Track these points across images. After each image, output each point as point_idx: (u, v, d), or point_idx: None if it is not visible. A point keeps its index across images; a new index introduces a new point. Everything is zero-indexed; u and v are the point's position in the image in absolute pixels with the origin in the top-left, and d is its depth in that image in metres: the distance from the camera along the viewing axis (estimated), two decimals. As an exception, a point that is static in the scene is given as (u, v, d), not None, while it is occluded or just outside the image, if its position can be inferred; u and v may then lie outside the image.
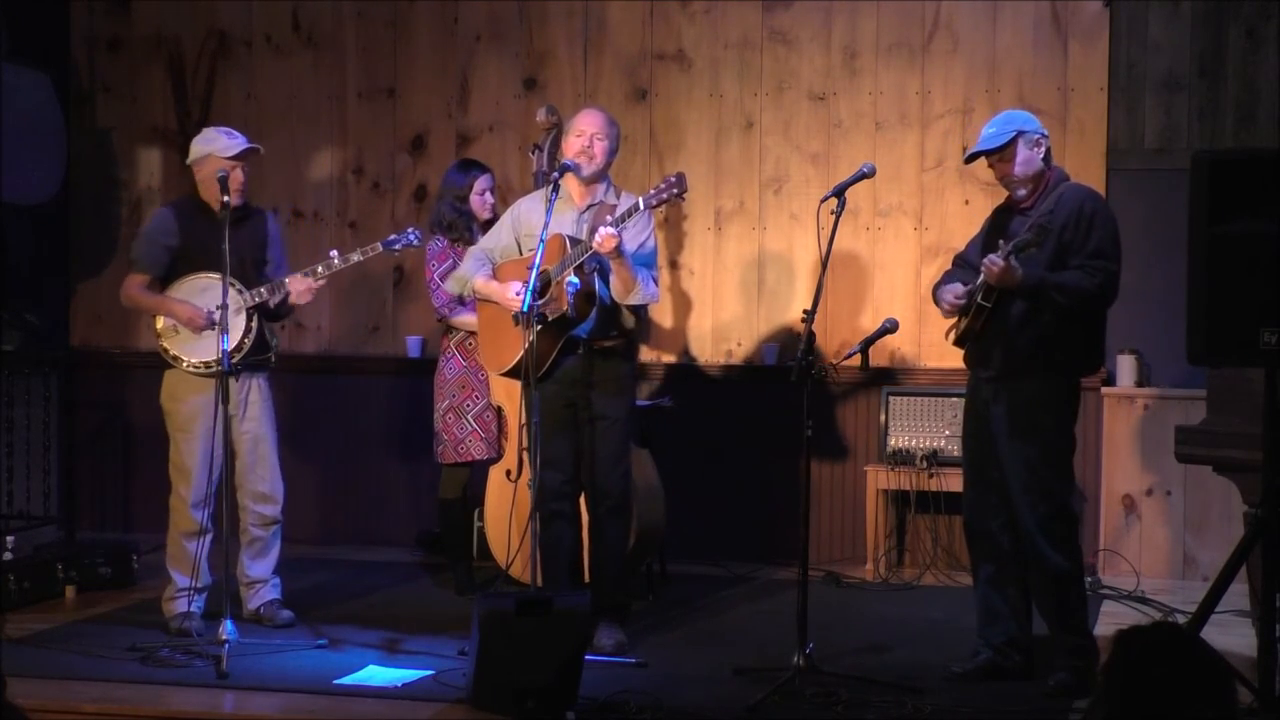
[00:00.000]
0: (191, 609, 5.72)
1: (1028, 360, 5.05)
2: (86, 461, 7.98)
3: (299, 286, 5.74)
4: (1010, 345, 5.07)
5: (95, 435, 8.04)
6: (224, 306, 5.41)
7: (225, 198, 5.48)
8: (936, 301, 5.29)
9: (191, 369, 5.71)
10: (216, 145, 5.77)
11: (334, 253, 5.83)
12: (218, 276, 5.50)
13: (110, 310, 8.11)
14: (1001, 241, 4.99)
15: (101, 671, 5.20)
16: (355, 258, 5.79)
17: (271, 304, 5.77)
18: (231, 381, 5.57)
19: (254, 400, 5.84)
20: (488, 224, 6.56)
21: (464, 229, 6.47)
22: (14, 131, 7.06)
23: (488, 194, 6.52)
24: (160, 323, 5.75)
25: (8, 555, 6.32)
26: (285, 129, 7.91)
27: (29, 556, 6.46)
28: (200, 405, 5.71)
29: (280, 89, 7.95)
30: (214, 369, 5.57)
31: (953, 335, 5.27)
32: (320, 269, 5.78)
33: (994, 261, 4.94)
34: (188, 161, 5.88)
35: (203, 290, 5.69)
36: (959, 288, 5.16)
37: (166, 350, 5.74)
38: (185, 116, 8.02)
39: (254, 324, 5.73)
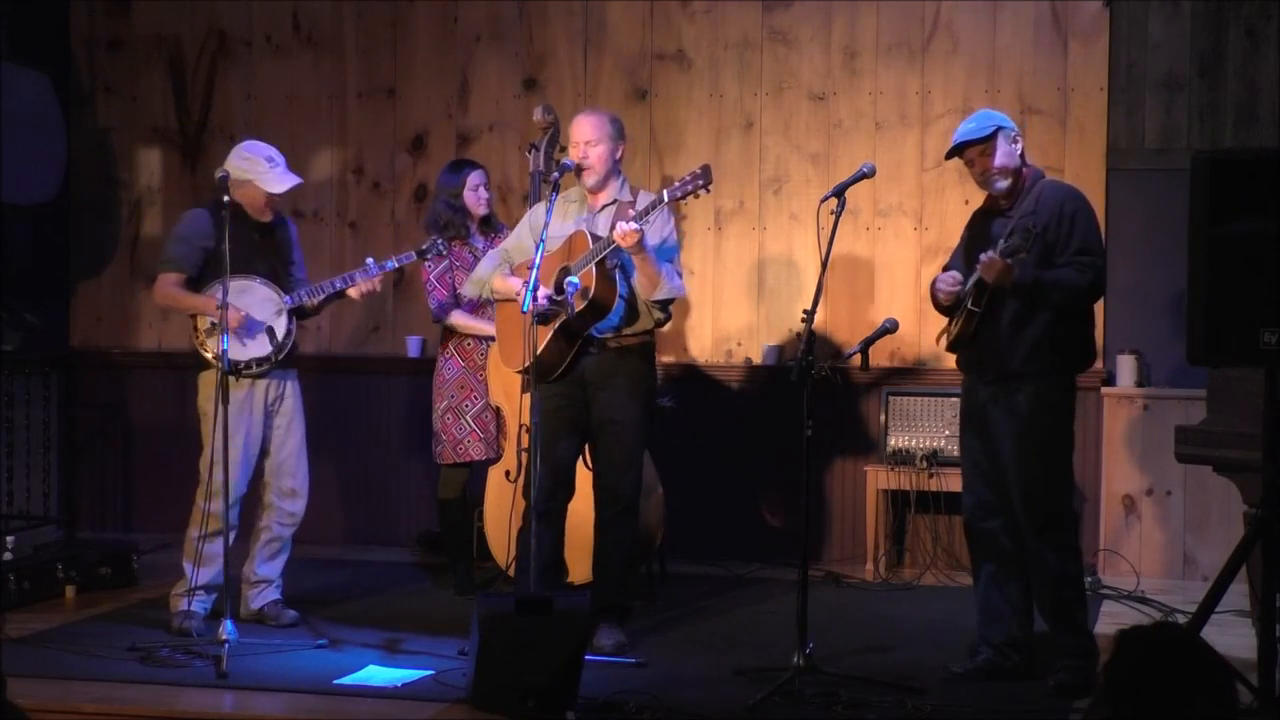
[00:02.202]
0: (194, 608, 5.73)
1: (1024, 363, 5.05)
2: (86, 461, 7.98)
3: (364, 288, 5.89)
4: (1005, 349, 5.06)
5: (95, 435, 8.04)
6: (224, 306, 5.44)
7: (226, 198, 5.51)
8: (933, 294, 5.27)
9: (242, 371, 5.74)
10: (258, 173, 5.81)
11: (370, 260, 5.93)
12: (254, 279, 5.75)
13: (110, 310, 8.12)
14: (1002, 242, 4.98)
15: (101, 671, 5.19)
16: (391, 265, 5.94)
17: (310, 305, 5.90)
18: (267, 381, 5.79)
19: (288, 396, 5.92)
20: (485, 220, 6.56)
21: (460, 227, 6.46)
22: (14, 131, 7.05)
23: (481, 189, 6.50)
24: (203, 324, 5.75)
25: (8, 555, 6.32)
26: (285, 129, 7.91)
27: (29, 556, 6.46)
28: (238, 404, 5.74)
29: (280, 89, 7.95)
30: (259, 370, 5.75)
31: (944, 340, 5.27)
32: (371, 271, 5.90)
33: (992, 258, 4.93)
34: (228, 174, 5.71)
35: (241, 291, 5.72)
36: (955, 275, 5.15)
37: (207, 352, 5.73)
38: (185, 116, 8.03)
39: (293, 325, 5.84)
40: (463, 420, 6.43)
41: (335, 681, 5.08)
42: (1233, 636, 5.44)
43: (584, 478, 5.70)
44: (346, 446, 7.83)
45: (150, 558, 6.73)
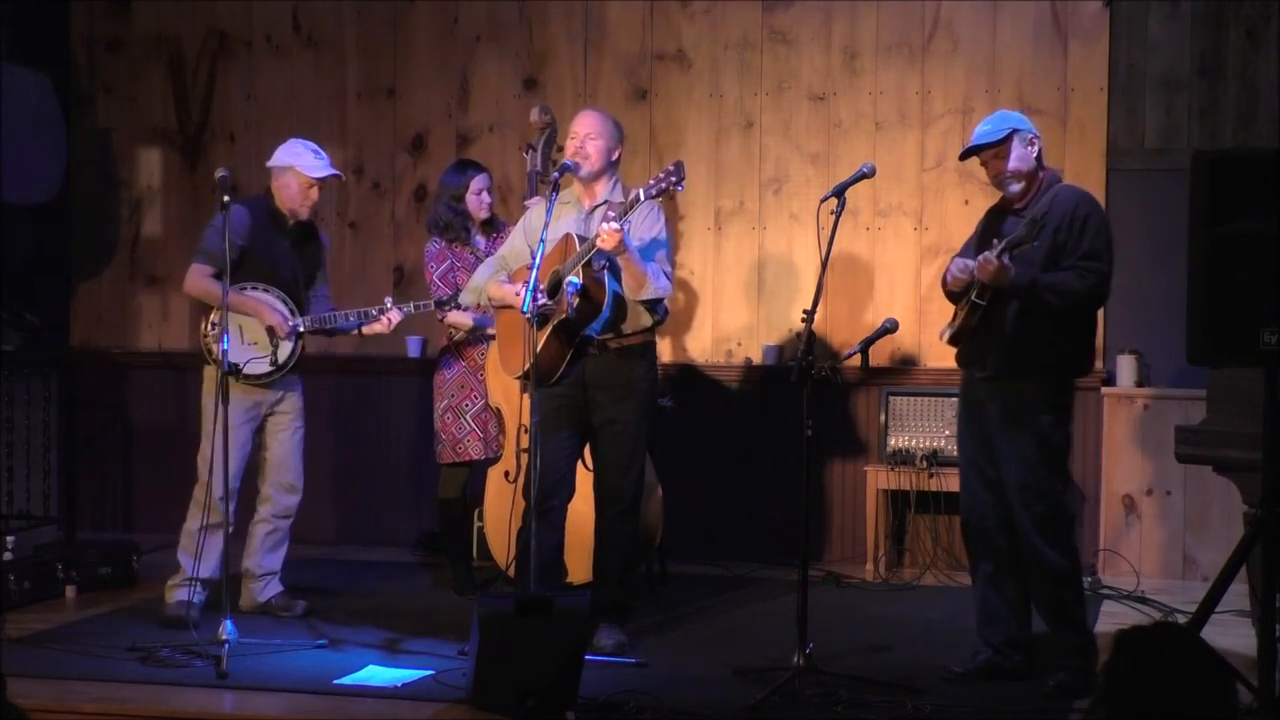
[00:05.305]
0: (193, 599, 5.77)
1: (1022, 360, 5.05)
2: (86, 461, 7.98)
3: (377, 328, 6.10)
4: (1004, 345, 5.07)
5: (95, 435, 8.04)
6: (224, 307, 5.45)
7: (226, 197, 5.50)
8: (945, 279, 5.25)
9: (244, 379, 5.82)
10: (302, 161, 5.94)
11: (389, 300, 6.15)
12: (273, 292, 5.89)
13: (110, 310, 8.12)
14: (995, 240, 5.00)
15: (101, 671, 5.19)
16: (409, 309, 6.14)
17: (325, 328, 6.06)
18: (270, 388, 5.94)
19: (290, 398, 6.04)
20: (486, 224, 6.55)
21: (460, 229, 6.45)
22: (14, 131, 7.06)
23: (484, 193, 6.50)
24: (215, 320, 5.79)
25: (8, 555, 6.32)
26: (285, 129, 7.88)
27: (29, 556, 6.46)
28: (240, 404, 5.81)
29: (280, 89, 7.96)
30: (264, 381, 5.88)
31: (948, 334, 5.27)
32: (392, 312, 6.10)
33: (988, 259, 4.95)
34: (269, 164, 6.00)
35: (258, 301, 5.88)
36: (968, 263, 5.13)
37: (212, 351, 5.79)
38: (185, 116, 8.03)
39: (298, 346, 5.95)
40: (463, 420, 6.42)
41: (335, 681, 5.08)
42: (1233, 636, 5.45)
43: (584, 478, 5.70)
44: (346, 446, 7.83)
45: (150, 558, 6.72)
